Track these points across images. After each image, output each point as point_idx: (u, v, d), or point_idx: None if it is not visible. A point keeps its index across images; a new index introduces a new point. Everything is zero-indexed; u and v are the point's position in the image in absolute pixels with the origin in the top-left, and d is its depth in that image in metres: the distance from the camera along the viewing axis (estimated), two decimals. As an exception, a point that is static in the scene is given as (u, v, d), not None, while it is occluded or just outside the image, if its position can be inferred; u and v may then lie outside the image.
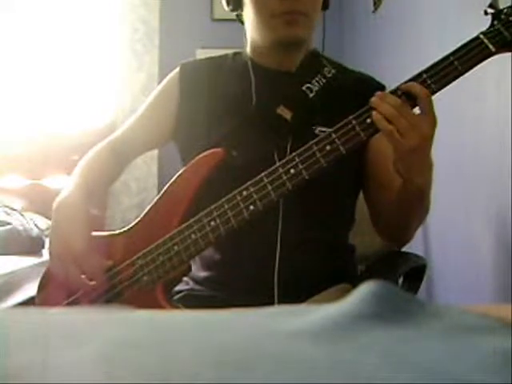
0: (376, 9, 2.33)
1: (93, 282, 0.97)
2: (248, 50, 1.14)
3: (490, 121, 1.32)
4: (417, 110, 0.88)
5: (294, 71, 1.09)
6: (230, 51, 1.19)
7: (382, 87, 1.09)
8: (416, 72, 0.88)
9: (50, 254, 0.99)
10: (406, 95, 0.87)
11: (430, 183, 0.96)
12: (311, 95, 1.04)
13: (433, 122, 0.86)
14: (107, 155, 1.16)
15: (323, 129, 1.00)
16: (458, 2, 1.54)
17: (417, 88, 0.86)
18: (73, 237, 0.96)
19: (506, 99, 1.19)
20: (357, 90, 1.08)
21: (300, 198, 0.96)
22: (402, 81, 0.89)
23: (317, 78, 1.05)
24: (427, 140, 0.86)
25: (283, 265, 1.00)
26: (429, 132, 0.86)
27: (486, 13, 0.88)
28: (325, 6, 1.12)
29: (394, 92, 0.88)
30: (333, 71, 1.07)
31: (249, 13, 1.07)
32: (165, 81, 1.18)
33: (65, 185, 1.07)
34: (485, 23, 0.89)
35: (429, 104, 0.85)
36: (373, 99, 0.87)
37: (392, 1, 2.15)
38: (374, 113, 0.86)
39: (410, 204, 0.98)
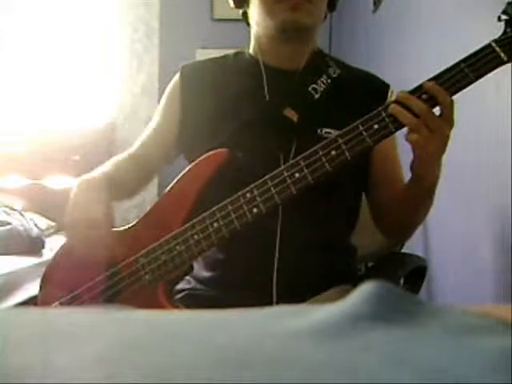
0: (376, 9, 2.33)
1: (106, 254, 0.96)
2: (253, 49, 1.13)
3: (490, 121, 1.32)
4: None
5: (300, 71, 1.09)
6: (230, 51, 1.19)
7: (386, 87, 1.09)
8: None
9: (66, 224, 0.97)
10: (427, 94, 0.85)
11: (439, 178, 0.97)
12: (317, 96, 1.03)
13: (452, 126, 0.86)
14: (131, 168, 1.13)
15: (329, 130, 1.00)
16: (457, 2, 1.54)
17: (441, 94, 0.84)
18: (93, 203, 0.94)
19: (506, 100, 1.19)
20: (362, 89, 1.08)
21: (302, 198, 0.96)
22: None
23: (322, 79, 1.04)
24: (446, 142, 0.87)
25: (283, 265, 1.00)
26: (448, 135, 0.87)
27: (499, 19, 0.86)
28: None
29: (416, 91, 0.86)
30: (338, 71, 1.07)
31: (254, 4, 1.06)
32: (168, 88, 1.17)
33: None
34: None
35: (452, 111, 0.85)
36: (392, 106, 0.86)
37: (392, 1, 2.15)
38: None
39: (420, 199, 0.99)
